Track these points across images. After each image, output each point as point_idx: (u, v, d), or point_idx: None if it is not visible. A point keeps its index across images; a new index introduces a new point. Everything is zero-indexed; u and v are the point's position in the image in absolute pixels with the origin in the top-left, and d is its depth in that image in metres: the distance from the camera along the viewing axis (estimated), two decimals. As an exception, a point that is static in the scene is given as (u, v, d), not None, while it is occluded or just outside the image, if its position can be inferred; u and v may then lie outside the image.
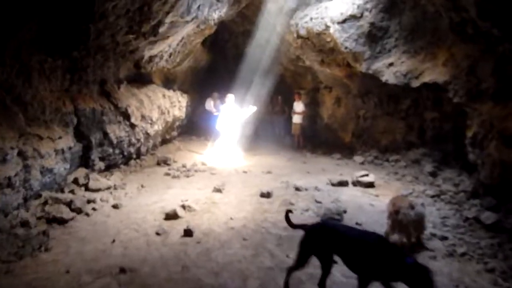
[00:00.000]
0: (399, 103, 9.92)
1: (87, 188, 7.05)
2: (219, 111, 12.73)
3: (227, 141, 11.29)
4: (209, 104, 13.80)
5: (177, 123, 12.99)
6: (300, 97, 13.07)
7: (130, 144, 9.15)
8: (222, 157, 10.72)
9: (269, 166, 9.84)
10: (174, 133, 13.28)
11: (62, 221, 5.35)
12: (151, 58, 9.29)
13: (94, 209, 6.04)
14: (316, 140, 13.12)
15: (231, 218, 5.67)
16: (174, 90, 12.13)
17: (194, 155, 11.24)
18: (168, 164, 9.56)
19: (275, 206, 6.31)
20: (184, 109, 12.58)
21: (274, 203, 6.45)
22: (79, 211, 5.81)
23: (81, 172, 7.61)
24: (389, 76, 8.84)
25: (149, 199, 6.68)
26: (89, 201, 6.28)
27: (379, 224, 5.45)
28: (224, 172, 8.98)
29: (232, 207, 6.21)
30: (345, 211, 5.96)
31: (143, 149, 10.00)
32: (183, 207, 5.90)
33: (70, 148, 7.04)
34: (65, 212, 5.52)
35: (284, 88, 15.90)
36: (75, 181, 7.20)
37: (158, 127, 10.51)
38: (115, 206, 6.20)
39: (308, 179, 8.29)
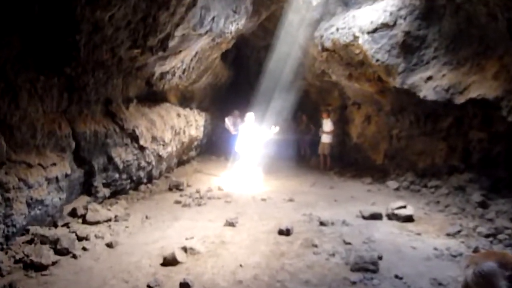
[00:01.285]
0: (439, 122, 8.69)
1: (84, 221, 6.22)
2: (238, 130, 11.89)
3: (247, 163, 10.35)
4: (228, 123, 12.98)
5: (195, 143, 12.17)
6: (329, 115, 11.96)
7: (139, 168, 8.34)
8: (241, 181, 9.77)
9: (292, 192, 8.79)
10: (192, 153, 12.48)
11: (40, 267, 4.48)
12: (162, 75, 8.52)
13: (84, 248, 5.15)
14: (344, 161, 11.98)
15: (241, 265, 4.64)
16: (191, 109, 11.34)
17: (211, 178, 10.34)
18: (180, 190, 8.67)
19: (294, 247, 5.24)
20: (201, 129, 11.76)
21: (294, 243, 5.38)
22: (65, 252, 4.94)
23: (82, 201, 6.83)
24: (427, 92, 7.71)
25: (150, 235, 5.76)
26: (80, 239, 5.41)
27: (426, 278, 4.29)
28: (241, 200, 7.99)
29: (243, 249, 5.18)
30: (380, 257, 4.82)
31: (155, 173, 9.18)
32: (185, 249, 4.92)
33: (66, 175, 6.23)
34: (46, 256, 4.64)
35: (309, 105, 14.96)
36: (73, 212, 6.40)
37: (172, 148, 9.70)
38: (109, 245, 5.30)
39: (335, 210, 7.19)
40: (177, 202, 7.68)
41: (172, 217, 6.74)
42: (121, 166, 7.61)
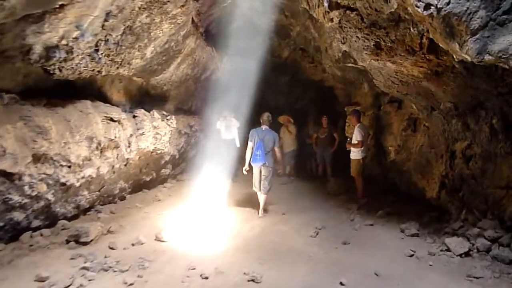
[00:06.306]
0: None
1: None
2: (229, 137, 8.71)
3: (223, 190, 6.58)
4: (219, 127, 9.43)
5: (166, 159, 8.46)
6: (359, 119, 7.54)
7: (10, 207, 4.75)
8: (199, 221, 6.02)
9: (271, 251, 4.82)
10: (165, 172, 8.82)
11: None
12: (48, 52, 4.85)
13: None
14: (376, 188, 7.69)
15: None
16: (149, 111, 7.61)
17: (165, 214, 6.59)
18: (83, 244, 4.97)
19: None
20: (165, 139, 7.98)
21: None
22: None
23: None
24: (541, 65, 3.39)
25: None
26: None
27: None
28: (159, 277, 4.10)
29: None
30: None
31: (62, 210, 5.59)
32: None
33: None
34: None
35: (336, 106, 10.87)
36: None
37: (97, 170, 6.04)
38: None
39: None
40: (40, 279, 3.95)
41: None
42: None
